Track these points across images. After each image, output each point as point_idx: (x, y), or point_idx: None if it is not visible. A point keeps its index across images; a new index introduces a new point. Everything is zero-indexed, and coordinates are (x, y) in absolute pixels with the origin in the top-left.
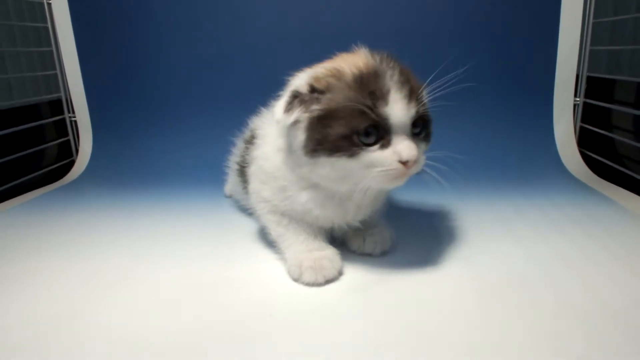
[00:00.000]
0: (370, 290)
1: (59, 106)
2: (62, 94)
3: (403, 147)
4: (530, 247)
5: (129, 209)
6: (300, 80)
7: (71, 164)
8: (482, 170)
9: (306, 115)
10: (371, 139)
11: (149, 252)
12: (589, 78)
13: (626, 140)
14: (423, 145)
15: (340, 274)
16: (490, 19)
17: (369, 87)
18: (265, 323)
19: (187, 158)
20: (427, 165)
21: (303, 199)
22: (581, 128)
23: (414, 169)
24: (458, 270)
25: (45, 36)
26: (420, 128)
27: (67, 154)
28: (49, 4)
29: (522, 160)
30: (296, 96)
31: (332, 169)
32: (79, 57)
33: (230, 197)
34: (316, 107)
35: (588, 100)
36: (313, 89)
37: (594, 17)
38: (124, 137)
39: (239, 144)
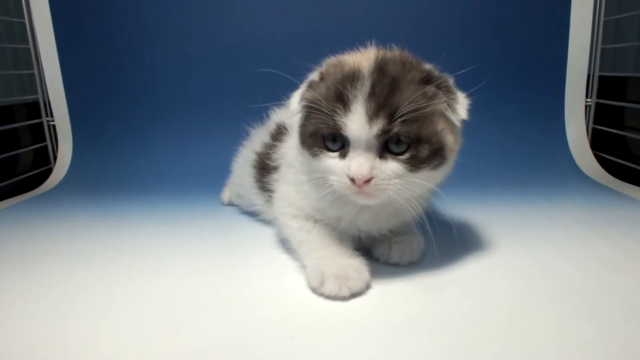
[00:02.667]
0: (401, 307)
1: (35, 109)
2: (40, 96)
3: (353, 163)
4: (570, 250)
5: (112, 221)
6: (317, 70)
7: (48, 171)
8: (494, 174)
9: (301, 104)
10: (336, 145)
11: (138, 268)
12: (600, 78)
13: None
14: (403, 168)
15: (367, 287)
16: (499, 17)
17: (339, 93)
18: (287, 347)
19: (176, 165)
20: None
21: (313, 195)
22: (594, 130)
23: (373, 190)
24: (498, 280)
25: (22, 32)
26: (404, 147)
27: (44, 161)
28: None
29: (535, 162)
30: (312, 85)
31: (308, 165)
32: (59, 55)
33: (229, 205)
34: (308, 95)
35: (600, 101)
36: (321, 77)
37: (605, 15)
38: (107, 143)
39: (259, 135)
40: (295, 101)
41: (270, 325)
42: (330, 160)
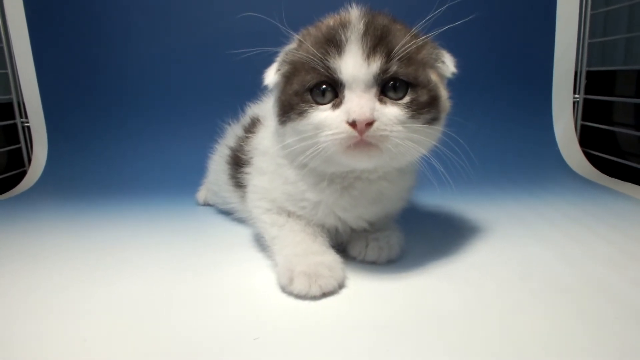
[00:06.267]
0: (375, 308)
1: (9, 110)
2: (14, 96)
3: (352, 105)
4: (560, 247)
5: (87, 224)
6: (293, 41)
7: (22, 174)
8: (482, 172)
9: (280, 73)
10: (325, 98)
11: (109, 270)
12: (587, 73)
13: (630, 132)
14: (404, 113)
15: (340, 286)
16: (483, 12)
17: (329, 39)
18: (249, 349)
19: (153, 165)
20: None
21: (292, 177)
22: (582, 126)
23: (374, 137)
24: (483, 279)
25: None
26: (402, 93)
27: (18, 163)
28: None
29: (523, 160)
30: (290, 52)
31: (293, 135)
32: (34, 54)
33: (205, 204)
34: (287, 62)
35: (588, 96)
36: (300, 42)
37: (592, 8)
38: (83, 145)
39: (234, 130)
40: (272, 72)
41: (233, 326)
42: (322, 114)
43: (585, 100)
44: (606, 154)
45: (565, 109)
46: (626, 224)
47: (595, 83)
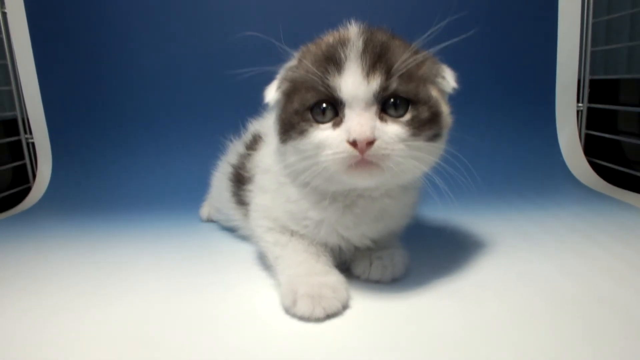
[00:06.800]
0: (380, 328)
1: (14, 126)
2: (18, 113)
3: (352, 124)
4: (565, 261)
5: (91, 240)
6: (294, 58)
7: (27, 190)
8: (486, 183)
9: (280, 90)
10: (326, 117)
11: (114, 289)
12: (591, 81)
13: (636, 141)
14: (405, 131)
15: (344, 307)
16: (485, 22)
17: (328, 57)
18: None
19: (156, 182)
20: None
21: (294, 196)
22: (587, 135)
23: (376, 156)
24: (488, 296)
25: None
26: (403, 110)
27: (23, 179)
28: (4, 13)
29: (527, 171)
30: (290, 69)
31: (294, 154)
32: (37, 71)
33: (208, 221)
34: (287, 80)
35: (592, 105)
36: (300, 59)
37: (594, 17)
38: (87, 161)
39: (236, 147)
40: (272, 90)
41: (236, 349)
42: (323, 133)
43: (589, 108)
44: (612, 163)
45: (569, 118)
46: (633, 236)
47: (598, 91)
